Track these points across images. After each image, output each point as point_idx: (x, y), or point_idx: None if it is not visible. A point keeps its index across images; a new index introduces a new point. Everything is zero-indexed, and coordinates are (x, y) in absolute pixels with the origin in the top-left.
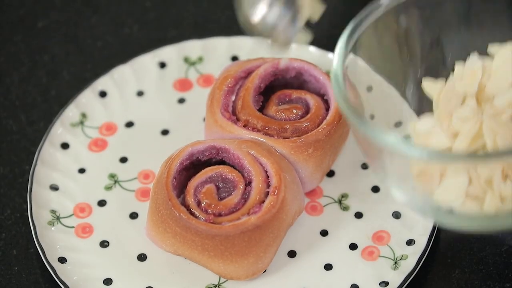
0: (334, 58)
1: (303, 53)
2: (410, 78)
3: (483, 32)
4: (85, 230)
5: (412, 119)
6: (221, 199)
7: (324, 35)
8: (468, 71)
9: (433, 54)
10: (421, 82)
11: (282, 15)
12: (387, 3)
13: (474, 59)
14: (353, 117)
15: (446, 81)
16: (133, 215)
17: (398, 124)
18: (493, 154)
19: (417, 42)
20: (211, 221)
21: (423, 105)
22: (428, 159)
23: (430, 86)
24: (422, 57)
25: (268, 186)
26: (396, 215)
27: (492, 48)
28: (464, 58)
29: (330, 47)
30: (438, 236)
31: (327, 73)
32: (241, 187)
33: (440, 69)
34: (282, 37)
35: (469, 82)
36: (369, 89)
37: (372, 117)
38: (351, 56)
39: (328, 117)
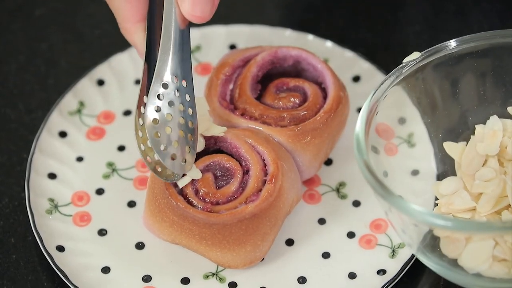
0: (358, 123)
1: (301, 41)
2: (432, 139)
3: (501, 91)
4: (83, 219)
5: (416, 117)
6: (218, 187)
7: (321, 24)
8: (489, 132)
9: (453, 115)
10: (443, 143)
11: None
12: (407, 68)
13: (494, 120)
14: (379, 189)
15: (467, 142)
16: (131, 204)
17: (401, 121)
18: None
19: (437, 103)
20: (208, 209)
21: (445, 165)
22: (452, 229)
23: (451, 147)
24: (442, 118)
25: (266, 174)
26: None
27: None
28: (484, 119)
29: (328, 36)
30: None
31: (325, 62)
32: (239, 175)
33: (461, 130)
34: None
35: (490, 143)
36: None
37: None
38: (374, 119)
39: (325, 105)
